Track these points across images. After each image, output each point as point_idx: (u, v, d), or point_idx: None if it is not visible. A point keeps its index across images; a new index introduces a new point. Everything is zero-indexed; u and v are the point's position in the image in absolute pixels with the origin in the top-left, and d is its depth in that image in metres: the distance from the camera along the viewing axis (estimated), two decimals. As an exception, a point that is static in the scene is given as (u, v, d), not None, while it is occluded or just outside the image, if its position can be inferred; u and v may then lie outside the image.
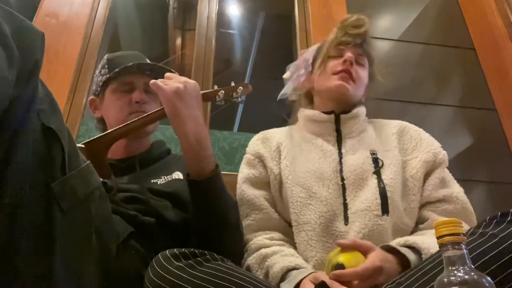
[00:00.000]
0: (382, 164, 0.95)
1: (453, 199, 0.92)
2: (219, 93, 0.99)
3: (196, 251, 0.70)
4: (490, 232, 0.62)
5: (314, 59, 1.11)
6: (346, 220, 0.89)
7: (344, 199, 0.91)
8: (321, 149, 1.00)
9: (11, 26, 0.50)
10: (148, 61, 1.11)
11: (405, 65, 1.86)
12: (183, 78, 0.89)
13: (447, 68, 1.89)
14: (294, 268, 0.82)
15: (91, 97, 1.13)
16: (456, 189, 0.95)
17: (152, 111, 0.96)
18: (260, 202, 0.98)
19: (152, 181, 0.99)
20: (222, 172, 0.89)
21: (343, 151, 0.99)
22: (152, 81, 0.86)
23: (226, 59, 3.38)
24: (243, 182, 1.02)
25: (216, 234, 0.87)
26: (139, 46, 2.98)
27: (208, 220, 0.87)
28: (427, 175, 0.96)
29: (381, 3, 2.04)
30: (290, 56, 2.06)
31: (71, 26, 1.69)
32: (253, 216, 0.97)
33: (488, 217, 0.67)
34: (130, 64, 1.03)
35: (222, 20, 2.74)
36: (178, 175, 1.01)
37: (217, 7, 1.99)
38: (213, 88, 1.01)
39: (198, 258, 0.68)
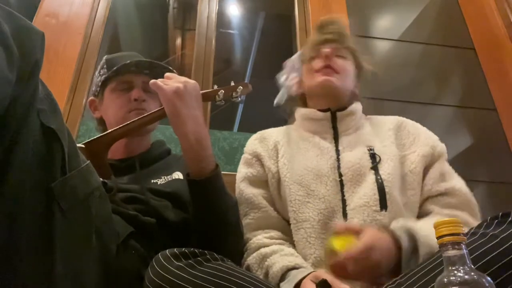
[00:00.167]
0: (380, 160, 0.94)
1: (456, 192, 0.92)
2: (219, 93, 1.00)
3: (196, 250, 0.70)
4: (491, 233, 0.62)
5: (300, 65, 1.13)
6: (345, 216, 0.89)
7: (343, 196, 0.91)
8: (318, 147, 1.00)
9: (11, 26, 0.50)
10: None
11: (405, 65, 1.86)
12: (183, 78, 0.89)
13: (447, 68, 1.89)
14: (293, 268, 0.82)
15: (91, 97, 1.14)
16: (457, 182, 0.94)
17: (152, 111, 0.96)
18: (258, 201, 0.98)
19: (152, 181, 0.99)
20: (222, 172, 0.89)
21: (340, 148, 0.99)
22: (152, 80, 0.86)
23: (226, 59, 3.38)
24: (241, 181, 1.03)
25: (216, 234, 0.87)
26: (139, 46, 2.98)
27: (208, 220, 0.87)
28: (426, 169, 0.96)
29: (381, 3, 2.04)
30: (290, 56, 2.03)
31: (71, 26, 1.69)
32: (252, 215, 0.97)
33: (489, 218, 0.67)
34: (128, 61, 1.04)
35: (222, 20, 2.74)
36: (178, 175, 1.01)
37: (217, 7, 1.99)
38: (213, 88, 1.01)
39: (198, 258, 0.68)
